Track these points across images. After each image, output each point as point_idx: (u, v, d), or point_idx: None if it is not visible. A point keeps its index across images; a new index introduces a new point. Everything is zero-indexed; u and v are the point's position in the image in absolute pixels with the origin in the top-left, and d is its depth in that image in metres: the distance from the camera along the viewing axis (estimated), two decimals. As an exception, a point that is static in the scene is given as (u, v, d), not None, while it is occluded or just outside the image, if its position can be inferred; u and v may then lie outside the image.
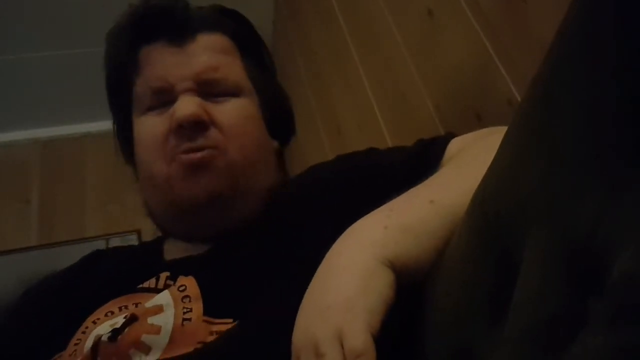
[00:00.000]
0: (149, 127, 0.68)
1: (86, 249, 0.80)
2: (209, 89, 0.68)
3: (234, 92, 0.70)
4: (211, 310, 0.56)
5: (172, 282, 0.61)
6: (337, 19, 1.38)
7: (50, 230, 2.00)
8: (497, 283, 0.40)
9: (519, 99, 0.73)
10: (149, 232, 0.79)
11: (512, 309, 0.36)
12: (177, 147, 0.65)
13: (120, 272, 0.69)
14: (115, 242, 1.88)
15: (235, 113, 0.68)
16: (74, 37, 1.89)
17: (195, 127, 0.65)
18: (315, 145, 1.59)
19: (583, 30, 0.34)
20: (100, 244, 1.85)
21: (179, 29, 0.69)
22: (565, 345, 0.30)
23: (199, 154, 0.64)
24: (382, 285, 0.47)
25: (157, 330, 0.55)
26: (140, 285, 0.62)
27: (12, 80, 1.96)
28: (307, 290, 0.49)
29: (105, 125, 2.07)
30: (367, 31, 1.23)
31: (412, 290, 0.50)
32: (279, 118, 0.77)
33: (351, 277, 0.47)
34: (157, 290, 0.60)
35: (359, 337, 0.43)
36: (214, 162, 0.65)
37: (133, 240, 1.90)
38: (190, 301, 0.57)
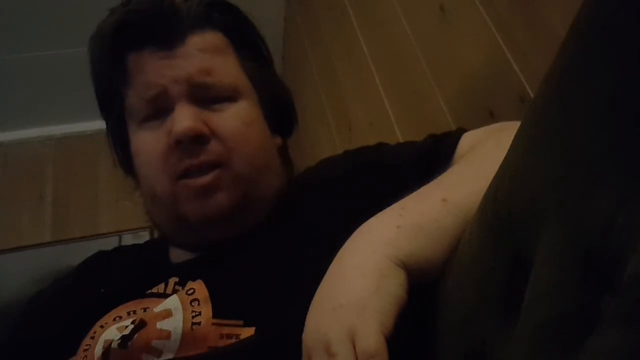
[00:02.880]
0: (147, 143, 0.65)
1: (100, 245, 0.80)
2: (204, 93, 0.65)
3: (231, 96, 0.67)
4: (220, 312, 0.56)
5: (180, 288, 0.60)
6: (348, 14, 1.38)
7: (64, 227, 2.01)
8: (509, 281, 0.40)
9: (532, 95, 0.72)
10: (161, 229, 0.78)
11: (524, 307, 0.36)
12: (179, 165, 0.63)
13: (128, 276, 0.68)
14: (127, 238, 1.89)
15: (235, 121, 0.65)
16: (88, 36, 1.90)
17: (195, 141, 0.62)
18: (327, 142, 1.59)
19: (597, 25, 0.34)
20: (114, 241, 1.86)
21: (166, 33, 0.66)
22: (580, 343, 0.30)
23: (205, 179, 0.62)
24: (394, 286, 0.46)
25: (166, 335, 0.55)
26: (149, 291, 0.62)
27: (26, 78, 1.97)
28: (319, 289, 0.49)
29: (118, 122, 2.05)
30: (378, 27, 1.22)
31: (424, 289, 0.49)
32: (280, 112, 0.75)
33: (364, 277, 0.47)
34: (166, 296, 0.60)
35: (372, 337, 0.43)
36: (220, 182, 0.63)
37: (145, 237, 1.90)
38: (199, 304, 0.57)
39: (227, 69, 0.68)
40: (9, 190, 2.05)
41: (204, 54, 0.66)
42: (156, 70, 0.65)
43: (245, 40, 0.72)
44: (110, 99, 0.71)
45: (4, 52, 1.89)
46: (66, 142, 2.16)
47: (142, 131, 0.67)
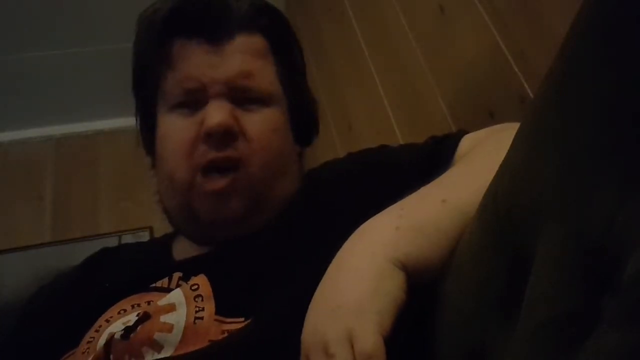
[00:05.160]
0: (177, 130, 0.67)
1: (99, 245, 0.81)
2: (241, 94, 0.67)
3: (264, 101, 0.68)
4: (223, 309, 0.56)
5: (184, 283, 0.61)
6: (348, 15, 1.38)
7: (63, 227, 2.01)
8: (508, 281, 0.40)
9: (532, 95, 0.72)
10: (161, 229, 0.79)
11: (524, 307, 0.36)
12: (205, 157, 0.64)
13: (132, 270, 0.69)
14: (127, 238, 1.89)
15: (264, 126, 0.67)
16: (87, 35, 1.90)
17: (225, 136, 0.64)
18: (326, 142, 1.59)
19: (597, 25, 0.34)
20: (113, 241, 1.86)
21: (218, 28, 0.68)
22: (580, 343, 0.30)
23: (220, 183, 0.64)
24: (393, 287, 0.46)
25: (169, 328, 0.55)
26: (153, 285, 0.62)
27: (26, 79, 1.98)
28: (318, 289, 0.49)
29: (118, 122, 2.07)
30: (378, 27, 1.22)
31: (423, 289, 0.49)
32: (305, 123, 0.77)
33: (362, 278, 0.47)
34: (170, 290, 0.60)
35: (370, 338, 0.43)
36: (235, 187, 0.64)
37: (145, 237, 1.91)
38: (202, 300, 0.57)
39: (265, 74, 0.70)
40: (8, 191, 2.05)
41: (246, 56, 0.68)
42: (199, 66, 0.67)
43: (285, 48, 0.74)
44: (146, 78, 0.72)
45: (4, 52, 1.89)
46: (66, 142, 2.17)
47: (173, 116, 0.68)
